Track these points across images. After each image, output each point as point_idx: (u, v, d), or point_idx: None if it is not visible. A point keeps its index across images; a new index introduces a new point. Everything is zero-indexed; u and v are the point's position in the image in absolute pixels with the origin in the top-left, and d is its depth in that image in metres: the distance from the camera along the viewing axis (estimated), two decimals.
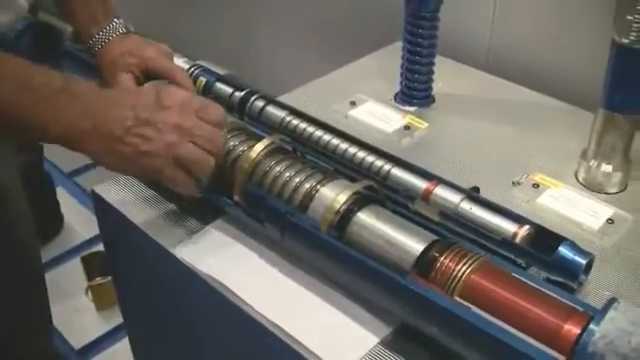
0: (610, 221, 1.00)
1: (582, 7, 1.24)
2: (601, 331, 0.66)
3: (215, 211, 0.98)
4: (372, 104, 1.26)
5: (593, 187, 1.07)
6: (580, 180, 1.08)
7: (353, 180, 0.89)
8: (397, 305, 0.79)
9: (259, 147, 0.91)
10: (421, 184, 0.91)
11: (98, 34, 1.07)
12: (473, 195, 0.90)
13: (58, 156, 2.43)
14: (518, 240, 0.85)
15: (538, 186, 1.05)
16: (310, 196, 0.85)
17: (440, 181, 0.91)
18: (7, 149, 1.23)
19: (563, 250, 0.83)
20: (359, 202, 0.84)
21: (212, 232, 0.96)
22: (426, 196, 0.90)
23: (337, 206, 0.83)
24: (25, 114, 0.79)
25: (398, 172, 0.93)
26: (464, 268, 0.76)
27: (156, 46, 1.07)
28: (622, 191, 1.06)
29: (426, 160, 0.99)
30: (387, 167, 0.94)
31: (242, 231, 0.96)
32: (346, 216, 0.83)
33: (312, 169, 0.89)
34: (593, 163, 1.06)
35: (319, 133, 1.01)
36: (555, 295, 0.74)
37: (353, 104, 1.26)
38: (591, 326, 0.67)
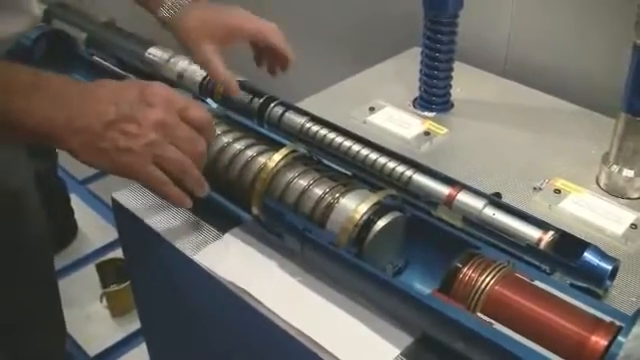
0: (634, 226, 0.98)
1: (601, 12, 1.23)
2: (625, 350, 0.65)
3: (233, 218, 0.97)
4: (391, 110, 1.25)
5: (615, 192, 1.05)
6: (602, 185, 1.07)
7: (375, 188, 0.88)
8: (418, 319, 0.79)
9: (277, 157, 0.90)
10: (444, 190, 0.89)
11: (169, 2, 1.04)
12: (496, 201, 0.88)
13: (72, 163, 2.42)
14: (542, 246, 0.83)
15: (559, 192, 1.04)
16: (330, 207, 0.84)
17: (463, 187, 0.90)
18: (20, 152, 1.23)
19: (588, 256, 0.81)
20: (380, 212, 0.83)
21: (231, 240, 0.96)
22: (449, 202, 0.89)
23: (357, 217, 0.82)
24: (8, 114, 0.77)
25: (420, 178, 0.92)
26: (487, 279, 0.75)
27: (239, 10, 1.04)
28: None
29: (446, 166, 0.98)
30: (409, 173, 0.92)
31: (261, 240, 0.95)
32: (367, 226, 0.82)
33: (331, 179, 0.88)
34: (615, 168, 1.05)
35: (339, 139, 1.00)
36: (581, 304, 0.73)
37: (372, 110, 1.25)
38: (619, 338, 0.66)
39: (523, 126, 1.21)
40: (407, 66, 1.33)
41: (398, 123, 1.22)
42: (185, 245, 0.96)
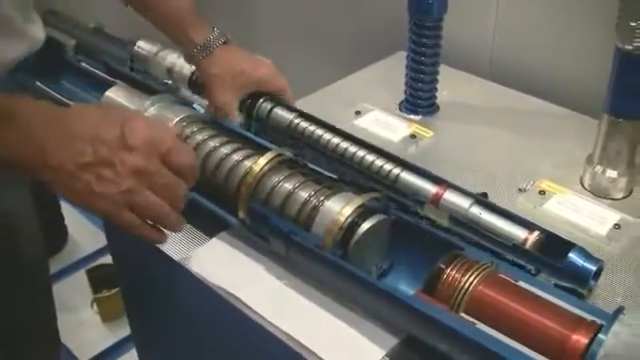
0: (617, 226, 1.00)
1: (584, 15, 1.24)
2: (606, 348, 0.66)
3: (221, 222, 0.97)
4: (377, 113, 1.26)
5: (599, 193, 1.07)
6: (586, 186, 1.08)
7: (360, 190, 0.89)
8: (402, 320, 0.80)
9: (262, 161, 0.90)
10: (431, 188, 0.91)
11: (203, 43, 1.06)
12: (482, 200, 0.89)
13: None
14: (528, 246, 0.84)
15: (544, 193, 1.05)
16: (315, 210, 0.85)
17: (449, 186, 0.91)
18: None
19: (573, 256, 0.82)
20: (364, 214, 0.83)
21: (219, 244, 0.96)
22: (436, 200, 0.90)
23: (342, 219, 0.82)
24: None
25: (407, 176, 0.93)
26: (470, 279, 0.76)
27: (266, 65, 1.07)
28: (628, 196, 1.06)
29: (432, 168, 0.99)
30: (396, 171, 0.94)
31: (248, 243, 0.95)
32: (351, 229, 0.82)
33: (316, 182, 0.89)
34: (598, 169, 1.06)
35: (328, 136, 1.00)
36: (564, 304, 0.74)
37: (358, 113, 1.26)
38: (600, 336, 0.67)
39: (508, 128, 1.22)
40: (393, 70, 1.34)
41: (384, 126, 1.23)
42: (173, 250, 0.96)
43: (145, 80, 1.26)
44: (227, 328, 0.94)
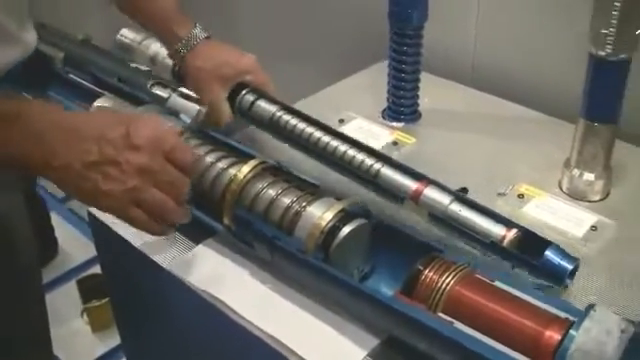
0: (594, 228, 1.02)
1: (562, 22, 1.27)
2: (577, 343, 0.68)
3: (207, 230, 1.00)
4: (360, 121, 1.28)
5: (576, 195, 1.09)
6: (564, 189, 1.10)
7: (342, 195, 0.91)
8: (383, 321, 0.82)
9: (246, 169, 0.93)
10: (411, 184, 0.92)
11: (187, 37, 1.09)
12: (462, 197, 0.91)
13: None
14: (506, 243, 0.86)
15: (523, 196, 1.08)
16: (297, 215, 0.87)
17: (430, 182, 0.92)
18: (6, 174, 1.24)
19: (550, 254, 0.84)
20: (345, 219, 0.86)
21: (205, 250, 0.99)
22: (415, 197, 0.91)
23: (323, 224, 0.85)
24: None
25: (388, 172, 0.94)
26: (447, 280, 0.78)
27: (249, 57, 1.09)
28: (604, 198, 1.09)
29: None
30: (377, 166, 0.95)
31: (233, 249, 0.98)
32: (332, 233, 0.85)
33: (298, 188, 0.91)
34: (576, 172, 1.08)
35: (310, 130, 1.02)
36: (537, 302, 0.76)
37: (342, 121, 1.28)
38: (571, 332, 0.69)
39: (489, 134, 1.24)
40: (376, 79, 1.36)
41: (367, 134, 1.25)
42: (160, 257, 0.98)
43: (132, 91, 1.28)
44: (214, 332, 0.96)
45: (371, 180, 0.94)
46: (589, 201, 1.08)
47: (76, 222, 2.45)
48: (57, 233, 2.36)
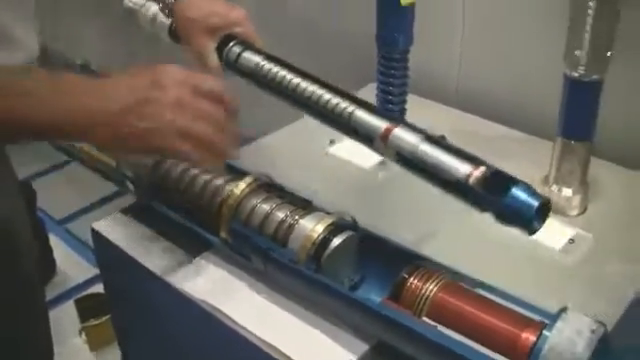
0: (571, 241, 1.07)
1: (540, 46, 1.32)
2: (550, 343, 0.73)
3: (204, 243, 1.05)
4: (350, 142, 1.31)
5: (555, 210, 1.13)
6: None
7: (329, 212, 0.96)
8: (372, 327, 0.87)
9: (242, 185, 0.98)
10: (382, 124, 0.89)
11: None
12: (433, 137, 0.87)
13: (49, 203, 2.50)
14: (471, 181, 0.81)
15: None
16: (291, 228, 0.93)
17: (402, 123, 0.89)
18: (9, 180, 1.24)
19: (516, 191, 0.79)
20: (335, 231, 0.91)
21: (203, 263, 1.04)
22: (385, 137, 0.88)
23: (315, 236, 0.90)
24: (19, 115, 0.79)
25: (361, 113, 0.91)
26: (431, 287, 0.84)
27: (239, 10, 1.08)
28: (582, 213, 1.14)
29: (402, 192, 1.05)
30: (351, 109, 0.93)
31: (230, 261, 1.03)
32: (323, 244, 0.90)
33: (291, 203, 0.97)
34: (554, 188, 1.14)
35: (289, 77, 1.00)
36: (514, 306, 0.82)
37: (332, 142, 1.33)
38: (544, 333, 0.74)
39: (472, 152, 1.29)
40: (366, 100, 1.41)
41: (357, 154, 1.29)
42: (160, 269, 1.03)
43: None
44: (213, 341, 1.01)
45: (345, 123, 0.92)
46: (567, 215, 1.13)
47: (74, 243, 2.49)
48: (55, 254, 2.40)
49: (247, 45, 1.06)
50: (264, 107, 1.17)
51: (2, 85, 0.80)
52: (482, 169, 0.81)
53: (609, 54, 1.02)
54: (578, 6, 1.00)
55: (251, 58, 1.03)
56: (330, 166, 1.12)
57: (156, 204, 1.11)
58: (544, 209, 0.80)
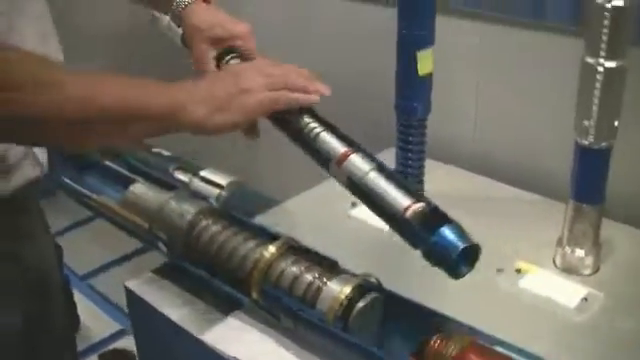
0: (585, 299, 1.11)
1: (552, 113, 1.40)
2: None
3: (235, 302, 1.10)
4: None
5: (569, 270, 1.18)
6: (557, 265, 1.20)
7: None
8: None
9: (272, 249, 1.04)
10: (340, 149, 0.94)
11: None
12: (385, 168, 0.91)
13: (72, 259, 2.56)
14: (408, 214, 0.84)
15: (520, 271, 1.17)
16: (319, 290, 0.98)
17: (360, 150, 0.94)
18: (47, 235, 1.29)
19: (445, 230, 0.81)
20: (361, 292, 0.96)
21: (234, 321, 1.09)
22: (341, 161, 0.93)
23: (342, 297, 0.95)
24: (135, 100, 0.90)
25: (326, 135, 0.97)
26: (453, 345, 0.89)
27: (244, 25, 1.13)
28: (595, 272, 1.19)
29: (419, 253, 1.10)
30: (319, 130, 0.98)
31: (259, 320, 1.08)
32: (350, 305, 0.95)
33: (318, 265, 1.02)
34: (568, 249, 1.18)
35: None
36: None
37: (354, 205, 1.37)
38: None
39: (488, 215, 1.34)
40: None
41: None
42: (192, 327, 1.08)
43: (164, 177, 1.40)
44: None
45: (311, 143, 0.97)
46: (580, 275, 1.18)
47: (97, 299, 2.55)
48: (79, 309, 2.45)
49: (244, 58, 1.10)
50: (287, 171, 1.23)
51: (120, 79, 0.91)
52: (421, 204, 0.84)
53: (616, 123, 1.08)
54: (586, 80, 1.06)
55: None
56: (352, 228, 1.18)
57: (188, 265, 1.17)
58: (472, 254, 0.82)
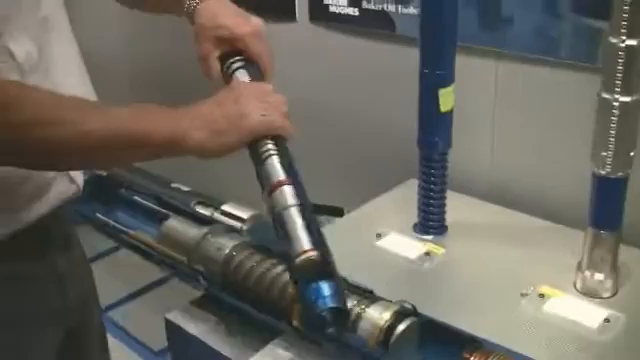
0: (607, 321, 1.16)
1: (567, 146, 1.46)
2: None
3: (276, 330, 1.15)
4: (395, 235, 1.43)
5: (589, 293, 1.23)
6: (578, 288, 1.24)
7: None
8: None
9: None
10: (279, 178, 0.94)
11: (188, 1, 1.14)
12: (307, 209, 0.90)
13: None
14: (301, 258, 0.83)
15: (543, 296, 1.22)
16: (359, 317, 1.03)
17: (295, 183, 0.93)
18: (86, 263, 1.32)
19: (322, 285, 0.82)
20: (399, 318, 1.02)
21: (275, 348, 1.14)
22: (272, 190, 0.93)
23: (382, 323, 1.01)
24: (140, 130, 0.93)
25: (274, 161, 0.96)
26: None
27: (251, 25, 1.11)
28: (614, 295, 1.23)
29: (446, 280, 1.16)
30: (271, 153, 0.97)
31: (298, 346, 1.13)
32: (390, 330, 1.01)
33: (356, 293, 1.08)
34: (587, 273, 1.23)
35: None
36: None
37: (379, 236, 1.42)
38: None
39: (508, 243, 1.39)
40: (406, 196, 1.51)
41: (402, 246, 1.39)
42: (234, 354, 1.14)
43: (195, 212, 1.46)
44: None
45: (260, 164, 0.97)
46: (601, 298, 1.22)
47: (115, 331, 2.58)
48: (113, 356, 2.47)
49: (244, 65, 1.10)
50: None
51: (127, 107, 0.95)
52: (315, 253, 0.83)
53: (632, 154, 1.14)
54: (603, 114, 1.12)
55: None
56: (379, 257, 1.23)
57: (225, 295, 1.23)
58: (338, 317, 0.82)
